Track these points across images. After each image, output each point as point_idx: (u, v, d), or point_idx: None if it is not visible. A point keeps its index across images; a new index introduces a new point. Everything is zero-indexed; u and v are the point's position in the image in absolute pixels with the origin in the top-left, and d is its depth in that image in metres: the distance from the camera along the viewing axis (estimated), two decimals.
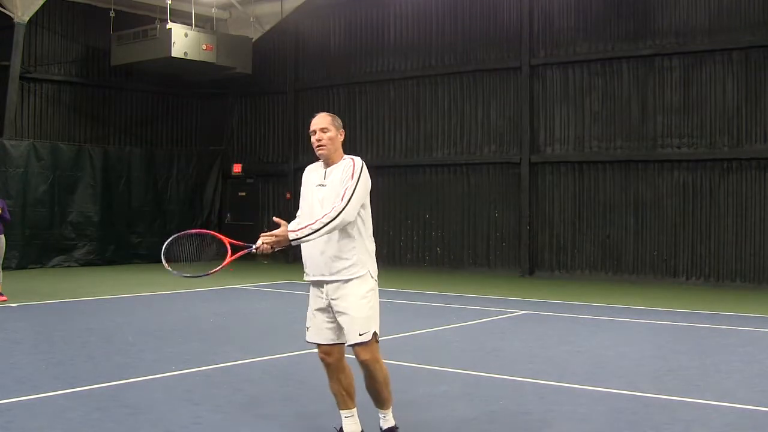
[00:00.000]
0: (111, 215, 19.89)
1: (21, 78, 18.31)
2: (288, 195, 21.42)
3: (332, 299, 4.72)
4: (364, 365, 4.70)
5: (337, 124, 4.86)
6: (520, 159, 17.79)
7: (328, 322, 4.77)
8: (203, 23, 20.29)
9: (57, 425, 5.51)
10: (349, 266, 4.68)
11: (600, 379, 7.23)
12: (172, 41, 18.22)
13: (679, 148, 16.25)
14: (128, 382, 6.84)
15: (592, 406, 6.28)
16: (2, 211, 11.85)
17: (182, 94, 22.12)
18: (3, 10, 17.45)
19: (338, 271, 4.68)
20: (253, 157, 22.35)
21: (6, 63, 17.78)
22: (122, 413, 5.82)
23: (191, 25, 18.80)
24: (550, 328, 10.49)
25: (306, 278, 4.88)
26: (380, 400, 4.83)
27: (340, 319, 4.70)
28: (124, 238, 20.17)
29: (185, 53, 18.48)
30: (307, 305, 4.92)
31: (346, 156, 4.91)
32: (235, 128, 22.69)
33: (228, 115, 22.69)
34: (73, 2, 19.65)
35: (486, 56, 18.48)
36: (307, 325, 4.87)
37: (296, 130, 21.47)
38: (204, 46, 18.92)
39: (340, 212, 4.58)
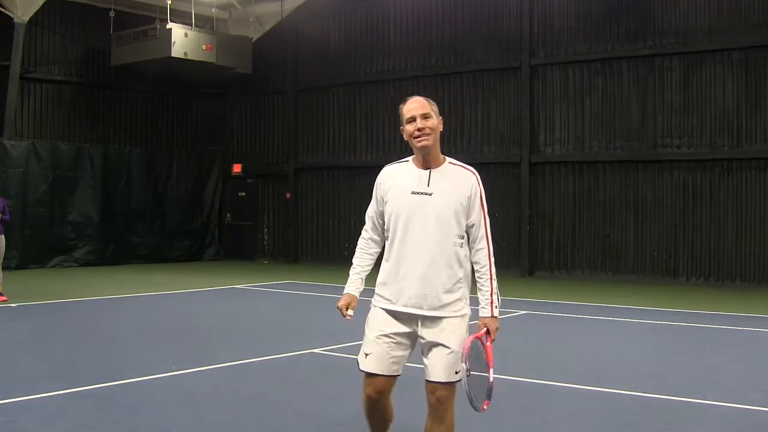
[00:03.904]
0: (111, 215, 19.87)
1: (21, 78, 18.29)
2: (288, 195, 21.42)
3: (425, 328, 3.94)
4: (441, 408, 3.94)
5: (436, 109, 4.02)
6: (520, 159, 17.78)
7: (396, 350, 3.97)
8: (203, 23, 20.28)
9: (57, 425, 5.51)
10: (454, 301, 3.92)
11: (600, 379, 7.23)
12: (172, 41, 18.21)
13: (679, 148, 16.25)
14: (128, 382, 6.83)
15: (592, 406, 6.28)
16: (3, 212, 11.86)
17: (182, 94, 22.11)
18: (3, 10, 17.44)
19: (441, 307, 3.89)
20: (253, 157, 22.35)
21: (6, 63, 17.77)
22: (122, 413, 5.82)
23: (191, 25, 18.79)
24: (550, 328, 10.50)
25: (381, 305, 4.00)
26: None
27: (435, 351, 3.91)
28: (124, 238, 20.16)
29: (185, 53, 18.46)
30: (366, 327, 4.06)
31: (451, 159, 4.08)
32: (235, 128, 22.69)
33: (228, 115, 22.68)
34: (73, 2, 19.62)
35: (486, 56, 18.48)
36: (366, 352, 3.98)
37: (296, 130, 21.46)
38: (204, 46, 18.91)
39: (493, 258, 4.02)
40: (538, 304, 12.69)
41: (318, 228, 20.73)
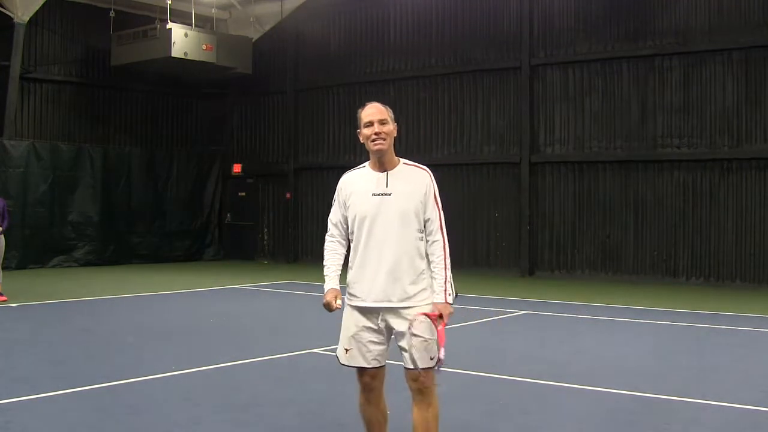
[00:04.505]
0: (111, 215, 19.88)
1: (21, 78, 18.29)
2: (288, 195, 21.43)
3: (396, 319, 4.18)
4: (425, 392, 4.21)
5: (392, 116, 4.29)
6: (520, 159, 17.78)
7: (376, 343, 4.23)
8: (203, 23, 20.28)
9: (57, 425, 5.51)
10: (420, 291, 4.19)
11: (600, 379, 7.22)
12: (172, 41, 18.21)
13: (679, 148, 16.25)
14: (128, 382, 6.84)
15: (592, 406, 6.28)
16: (3, 215, 11.87)
17: (182, 94, 22.11)
18: (3, 10, 17.44)
19: (408, 298, 4.16)
20: (253, 157, 22.35)
21: (6, 63, 17.77)
22: (122, 413, 5.82)
23: (191, 25, 18.80)
24: (550, 328, 10.49)
25: (354, 303, 4.26)
26: None
27: (409, 341, 4.13)
28: (124, 238, 20.17)
29: (185, 53, 18.46)
30: (342, 325, 4.33)
31: (405, 160, 4.34)
32: (235, 128, 22.69)
33: (228, 115, 22.69)
34: (73, 2, 19.63)
35: (486, 56, 18.48)
36: (345, 347, 4.27)
37: (296, 130, 21.47)
38: (204, 46, 18.91)
39: (448, 249, 4.27)
40: (538, 304, 12.68)
41: (318, 228, 20.70)
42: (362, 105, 4.36)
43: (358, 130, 4.30)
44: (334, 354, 8.17)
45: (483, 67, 18.45)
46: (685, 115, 16.16)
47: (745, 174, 15.63)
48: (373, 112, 4.23)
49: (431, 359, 4.15)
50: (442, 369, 4.20)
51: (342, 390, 6.64)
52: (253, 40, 20.87)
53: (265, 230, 22.07)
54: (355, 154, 20.08)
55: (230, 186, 22.71)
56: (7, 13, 17.44)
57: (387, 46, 19.89)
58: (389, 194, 4.20)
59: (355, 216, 4.25)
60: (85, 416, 5.75)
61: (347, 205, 4.30)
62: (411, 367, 4.16)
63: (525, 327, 10.67)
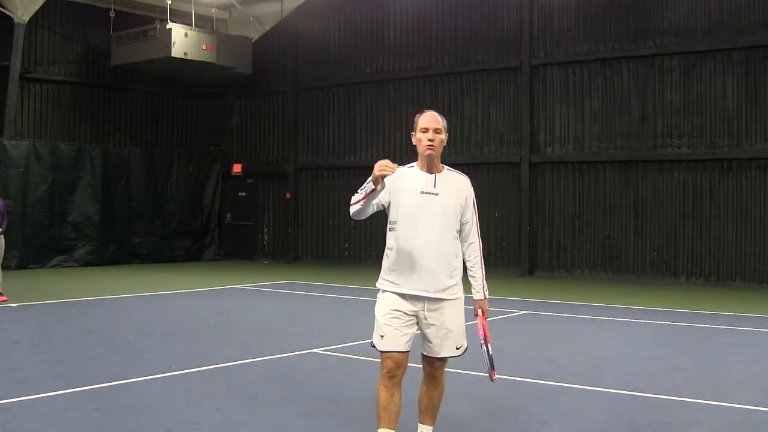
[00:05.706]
0: (111, 215, 19.88)
1: (21, 78, 18.29)
2: (288, 195, 21.43)
3: (429, 311, 4.53)
4: (440, 378, 4.72)
5: (446, 126, 4.65)
6: (520, 159, 17.78)
7: (407, 328, 4.50)
8: (203, 23, 20.27)
9: (57, 425, 5.51)
10: (454, 285, 4.57)
11: (600, 379, 7.23)
12: (172, 41, 18.20)
13: (679, 148, 16.25)
14: (128, 382, 6.84)
15: (592, 406, 6.28)
16: (2, 215, 11.88)
17: (182, 94, 22.11)
18: (3, 10, 17.44)
19: (444, 289, 4.52)
20: (253, 157, 22.35)
21: (6, 63, 17.77)
22: (122, 413, 5.82)
23: (191, 25, 18.79)
24: (550, 328, 10.49)
25: (391, 289, 4.56)
26: (435, 414, 4.83)
27: (439, 332, 4.54)
28: (124, 238, 20.16)
29: (185, 53, 18.46)
30: (377, 313, 4.57)
31: (450, 168, 4.71)
32: (235, 128, 22.69)
33: (228, 115, 22.69)
34: (73, 2, 19.63)
35: (486, 56, 18.48)
36: (380, 334, 4.49)
37: (296, 130, 21.47)
38: (204, 46, 18.91)
39: (482, 250, 4.77)
40: (538, 304, 12.68)
41: (318, 228, 20.72)
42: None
43: (412, 133, 4.64)
44: (334, 354, 8.21)
45: (483, 67, 18.45)
46: (685, 115, 16.16)
47: (745, 174, 15.63)
48: (430, 120, 4.58)
49: (457, 349, 4.61)
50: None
51: (342, 390, 6.64)
52: (253, 40, 20.86)
53: (265, 230, 22.07)
54: (355, 154, 20.10)
55: (230, 186, 22.71)
56: (7, 13, 17.44)
57: (387, 46, 19.89)
58: (436, 194, 4.56)
59: (400, 207, 4.56)
60: (85, 416, 5.75)
61: (390, 191, 4.57)
62: (438, 356, 4.59)
63: (525, 327, 10.67)
